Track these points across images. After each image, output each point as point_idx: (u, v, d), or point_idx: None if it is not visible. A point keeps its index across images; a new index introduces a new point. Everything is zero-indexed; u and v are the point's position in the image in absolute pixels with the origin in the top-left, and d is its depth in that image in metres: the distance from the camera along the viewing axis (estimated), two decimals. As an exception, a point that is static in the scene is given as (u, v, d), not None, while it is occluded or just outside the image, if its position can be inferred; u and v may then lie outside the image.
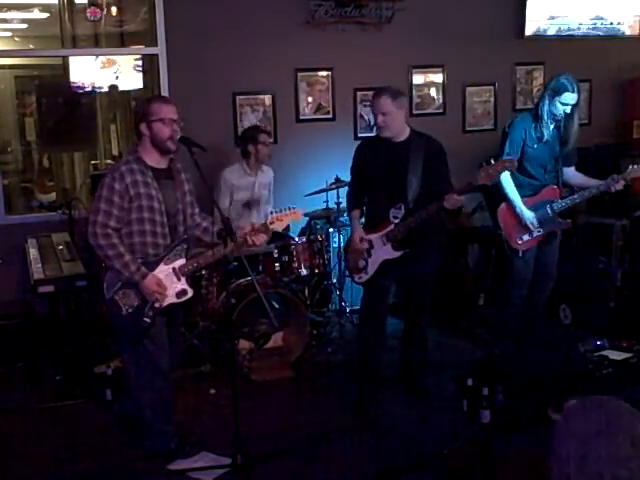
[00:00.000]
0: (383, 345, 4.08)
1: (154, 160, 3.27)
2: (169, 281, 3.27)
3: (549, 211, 4.29)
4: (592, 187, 4.30)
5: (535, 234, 4.28)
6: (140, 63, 6.12)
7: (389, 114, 3.75)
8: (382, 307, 4.02)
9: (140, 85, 6.18)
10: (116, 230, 3.18)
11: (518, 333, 4.53)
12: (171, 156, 3.33)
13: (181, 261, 3.30)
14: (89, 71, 6.17)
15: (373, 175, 3.92)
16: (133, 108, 6.59)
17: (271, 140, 5.35)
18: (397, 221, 3.81)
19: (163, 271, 3.26)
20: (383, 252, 3.89)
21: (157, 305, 3.24)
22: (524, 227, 4.26)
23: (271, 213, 3.39)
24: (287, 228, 4.77)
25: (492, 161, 3.62)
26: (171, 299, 3.29)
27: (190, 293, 3.36)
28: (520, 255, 4.33)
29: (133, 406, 3.47)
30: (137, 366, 3.32)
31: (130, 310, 3.22)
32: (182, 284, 3.31)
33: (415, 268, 3.91)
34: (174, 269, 3.28)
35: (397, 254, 3.85)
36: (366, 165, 3.96)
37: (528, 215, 4.23)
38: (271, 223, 3.35)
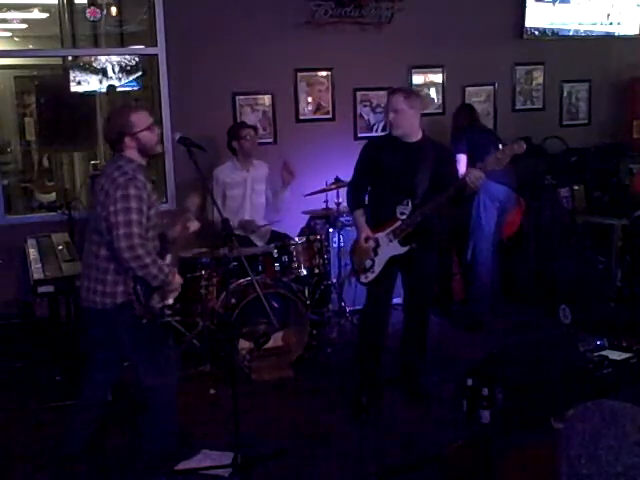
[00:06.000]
0: (384, 345, 4.08)
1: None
2: None
3: None
4: None
5: None
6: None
7: (400, 112, 3.77)
8: (385, 308, 4.02)
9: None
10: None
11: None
12: None
13: (168, 258, 3.31)
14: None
15: (381, 174, 3.89)
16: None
17: (269, 139, 5.38)
18: (404, 217, 3.80)
19: None
20: (390, 249, 3.87)
21: (168, 302, 3.26)
22: None
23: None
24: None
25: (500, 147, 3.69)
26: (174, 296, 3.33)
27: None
28: None
29: (137, 408, 3.47)
30: (156, 366, 3.26)
31: (156, 312, 3.24)
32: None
33: (419, 268, 3.92)
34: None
35: (404, 249, 3.84)
36: (375, 164, 3.92)
37: None
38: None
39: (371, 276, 3.94)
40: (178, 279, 3.24)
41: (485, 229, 5.16)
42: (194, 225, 3.44)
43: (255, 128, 5.18)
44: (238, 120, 5.50)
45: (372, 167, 3.94)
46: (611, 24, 6.55)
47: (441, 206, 3.79)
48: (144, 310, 3.16)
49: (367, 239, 3.89)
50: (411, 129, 3.84)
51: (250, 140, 4.98)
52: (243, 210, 4.99)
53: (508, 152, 3.67)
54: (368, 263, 3.94)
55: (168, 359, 3.31)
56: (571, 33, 6.42)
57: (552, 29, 6.34)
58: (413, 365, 4.15)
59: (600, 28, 6.53)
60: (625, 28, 6.62)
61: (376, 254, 3.91)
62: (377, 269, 3.91)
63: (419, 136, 3.87)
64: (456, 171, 4.05)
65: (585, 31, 6.48)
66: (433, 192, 3.79)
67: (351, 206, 4.09)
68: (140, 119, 3.22)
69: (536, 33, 6.27)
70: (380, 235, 3.89)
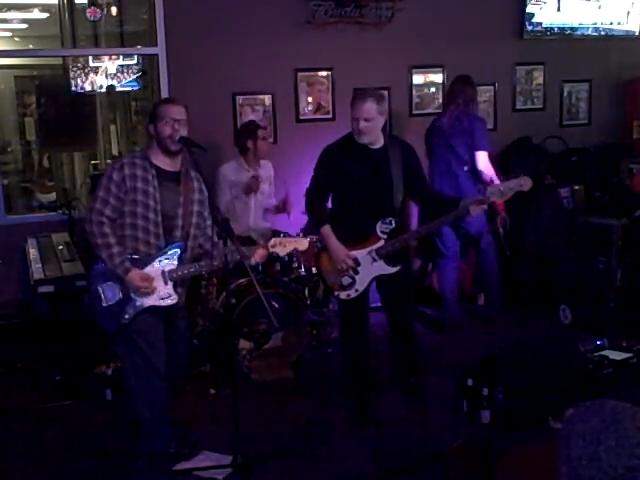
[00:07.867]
0: (370, 350, 4.04)
1: (161, 161, 3.29)
2: (155, 283, 3.26)
3: None
4: None
5: None
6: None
7: (372, 120, 3.62)
8: (364, 317, 3.95)
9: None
10: (111, 220, 3.22)
11: None
12: (179, 159, 3.34)
13: (171, 265, 3.29)
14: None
15: (348, 185, 3.72)
16: (134, 108, 6.62)
17: (270, 138, 5.40)
18: (385, 236, 3.71)
19: (151, 272, 3.25)
20: (375, 269, 3.75)
21: (138, 304, 3.24)
22: None
23: (276, 235, 3.44)
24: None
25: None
26: (154, 301, 3.26)
27: (175, 299, 3.32)
28: None
29: (132, 406, 3.47)
30: (133, 365, 3.31)
31: (110, 303, 3.22)
32: (168, 288, 3.28)
33: (398, 274, 3.83)
34: (163, 272, 3.27)
35: (394, 269, 3.76)
36: (338, 174, 3.73)
37: None
38: (273, 246, 3.38)
39: (354, 294, 3.79)
40: (137, 282, 3.18)
41: (445, 252, 5.18)
42: (255, 258, 3.36)
43: (266, 128, 5.21)
44: (238, 120, 5.50)
45: (335, 177, 3.75)
46: (611, 24, 6.55)
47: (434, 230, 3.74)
48: (89, 290, 3.29)
49: (346, 258, 3.72)
50: (377, 136, 3.72)
51: (266, 141, 4.99)
52: (248, 210, 4.97)
53: (513, 187, 3.61)
54: (346, 280, 3.77)
55: (149, 361, 3.25)
56: (571, 33, 6.42)
57: (552, 29, 6.34)
58: (407, 364, 4.13)
59: (600, 28, 6.52)
60: (625, 28, 6.62)
61: (356, 272, 3.76)
62: (360, 288, 3.78)
63: (382, 140, 3.74)
64: (423, 172, 3.98)
65: (585, 31, 6.48)
66: (408, 199, 3.77)
67: (316, 220, 3.86)
68: (164, 110, 3.28)
69: (536, 33, 6.27)
70: (360, 253, 3.74)
